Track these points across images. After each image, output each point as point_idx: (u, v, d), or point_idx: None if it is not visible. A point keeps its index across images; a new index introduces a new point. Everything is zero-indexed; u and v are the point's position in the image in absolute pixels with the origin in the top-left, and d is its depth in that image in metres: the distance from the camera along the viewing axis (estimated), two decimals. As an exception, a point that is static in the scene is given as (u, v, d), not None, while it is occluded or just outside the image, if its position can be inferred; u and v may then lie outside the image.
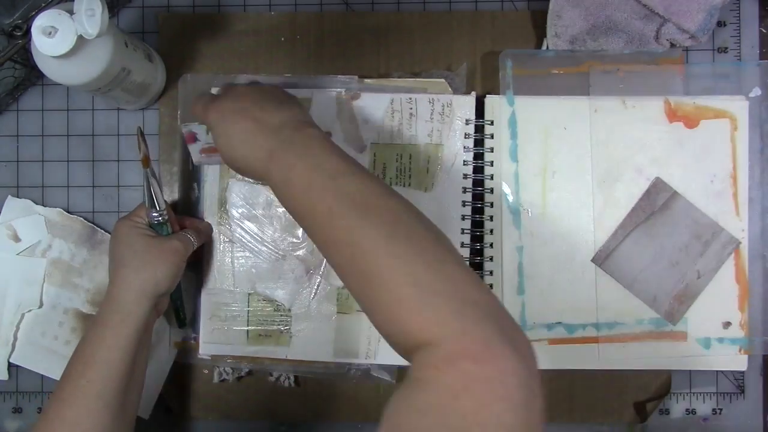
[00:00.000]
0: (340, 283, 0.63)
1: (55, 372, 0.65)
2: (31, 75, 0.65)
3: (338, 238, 0.43)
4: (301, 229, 0.62)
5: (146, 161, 0.56)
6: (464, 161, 0.63)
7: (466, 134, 0.63)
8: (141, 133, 0.56)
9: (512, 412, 0.35)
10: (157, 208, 0.57)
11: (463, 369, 0.36)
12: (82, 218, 0.66)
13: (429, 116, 0.63)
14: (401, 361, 0.62)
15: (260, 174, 0.50)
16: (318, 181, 0.45)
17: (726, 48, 0.66)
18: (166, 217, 0.58)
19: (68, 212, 0.66)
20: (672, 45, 0.63)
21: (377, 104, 0.63)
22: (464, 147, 0.63)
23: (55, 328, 0.65)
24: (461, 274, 0.40)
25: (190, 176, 0.65)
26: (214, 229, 0.64)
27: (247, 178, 0.62)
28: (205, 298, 0.64)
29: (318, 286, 0.63)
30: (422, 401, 0.36)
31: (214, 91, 0.63)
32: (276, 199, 0.62)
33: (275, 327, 0.63)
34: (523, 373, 0.36)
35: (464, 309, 0.38)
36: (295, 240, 0.63)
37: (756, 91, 0.63)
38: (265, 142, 0.48)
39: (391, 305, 0.40)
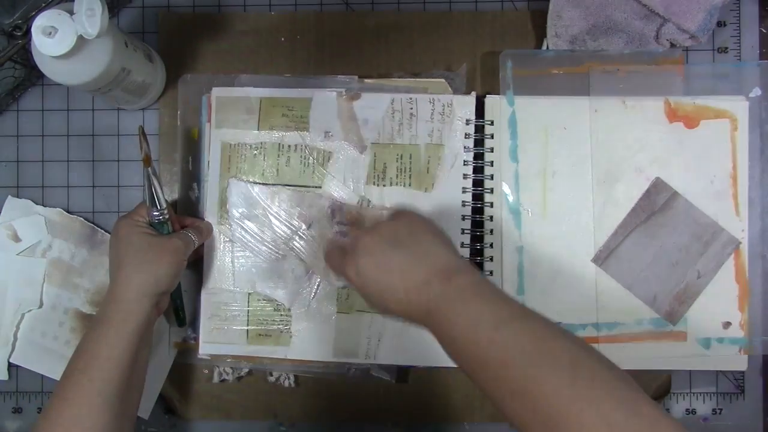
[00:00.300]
0: (340, 283, 0.63)
1: (55, 372, 0.65)
2: (31, 75, 0.65)
3: (516, 389, 0.41)
4: (304, 228, 0.63)
5: (147, 160, 0.56)
6: (464, 161, 0.63)
7: (466, 134, 0.63)
8: (142, 133, 0.56)
9: None
10: (158, 207, 0.57)
11: None
12: (82, 218, 0.66)
13: (429, 116, 0.63)
14: (401, 361, 0.63)
15: (410, 315, 0.48)
16: (483, 335, 0.43)
17: (726, 48, 0.66)
18: (167, 216, 0.58)
19: (68, 212, 0.66)
20: (672, 45, 0.63)
21: (377, 104, 0.63)
22: (464, 147, 0.63)
23: (55, 328, 0.65)
24: (654, 412, 0.39)
25: (190, 176, 0.65)
26: (214, 229, 0.64)
27: (249, 182, 0.62)
28: (205, 297, 0.64)
29: (318, 285, 0.63)
30: None
31: (249, 94, 0.64)
32: (275, 199, 0.63)
33: (275, 327, 0.63)
34: None
35: None
36: (295, 240, 0.63)
37: (756, 91, 0.63)
38: (418, 299, 0.47)
39: None
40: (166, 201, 0.58)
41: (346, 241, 0.52)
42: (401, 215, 0.52)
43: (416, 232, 0.50)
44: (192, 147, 0.65)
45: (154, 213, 0.57)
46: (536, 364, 0.41)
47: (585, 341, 0.43)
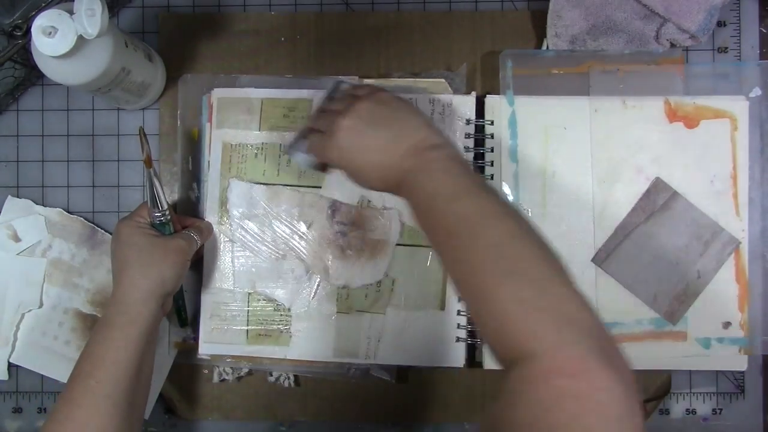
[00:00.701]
0: (340, 282, 0.63)
1: (55, 372, 0.65)
2: (31, 75, 0.65)
3: (457, 258, 0.45)
4: (304, 228, 0.63)
5: (149, 161, 0.56)
6: (464, 161, 0.63)
7: (466, 134, 0.63)
8: (143, 134, 0.56)
9: (604, 426, 0.35)
10: (160, 208, 0.57)
11: (556, 384, 0.36)
12: (82, 218, 0.66)
13: (429, 116, 0.63)
14: (401, 361, 0.63)
15: (388, 188, 0.51)
16: (440, 205, 0.46)
17: (726, 48, 0.66)
18: (169, 217, 0.58)
19: (68, 212, 0.66)
20: (672, 45, 0.63)
21: (377, 104, 0.63)
22: (464, 147, 0.63)
23: (55, 328, 0.65)
24: (564, 292, 0.41)
25: (190, 176, 0.65)
26: (214, 229, 0.64)
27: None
28: (204, 297, 0.64)
29: (318, 285, 0.63)
30: (515, 415, 0.37)
31: (250, 94, 0.64)
32: (275, 199, 0.63)
33: (275, 327, 0.63)
34: (617, 388, 0.36)
35: (563, 326, 0.39)
36: (295, 240, 0.63)
37: (756, 91, 0.63)
38: (398, 166, 0.49)
39: (495, 321, 0.41)
40: (167, 201, 0.58)
41: (324, 125, 0.53)
42: (376, 93, 0.53)
43: (393, 109, 0.52)
44: (192, 147, 0.65)
45: (156, 214, 0.57)
46: (472, 237, 0.44)
47: (527, 223, 0.45)
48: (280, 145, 0.63)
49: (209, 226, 0.63)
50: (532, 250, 0.43)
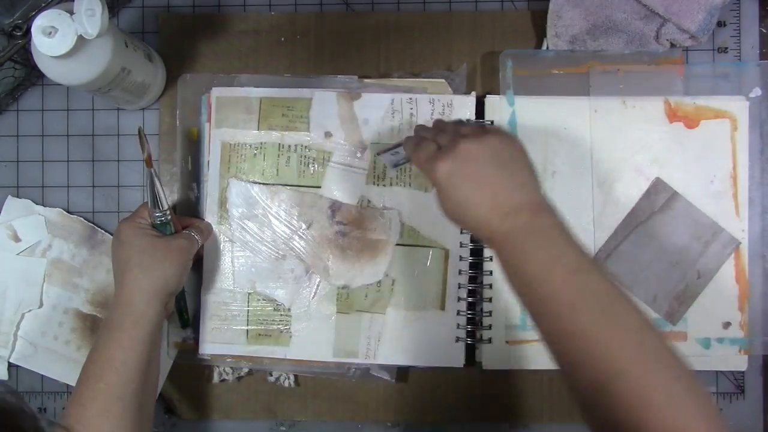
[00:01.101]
0: (340, 282, 0.63)
1: (54, 372, 0.65)
2: (31, 75, 0.65)
3: (578, 332, 0.43)
4: (304, 227, 0.63)
5: (149, 161, 0.56)
6: (464, 161, 0.63)
7: (466, 134, 0.63)
8: (142, 134, 0.56)
9: None
10: (161, 208, 0.57)
11: None
12: (82, 218, 0.66)
13: (429, 116, 0.63)
14: (401, 361, 0.63)
15: (487, 243, 0.49)
16: (559, 275, 0.44)
17: (726, 48, 0.66)
18: (170, 217, 0.58)
19: (68, 212, 0.66)
20: (672, 45, 0.63)
21: (378, 104, 0.63)
22: (464, 147, 0.63)
23: (55, 328, 0.65)
24: (702, 392, 0.42)
25: (190, 176, 0.65)
26: (214, 229, 0.64)
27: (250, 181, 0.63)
28: (204, 297, 0.64)
29: (318, 285, 0.63)
30: None
31: (249, 93, 0.63)
32: (275, 199, 0.63)
33: (275, 327, 0.63)
34: None
35: (710, 424, 0.40)
36: (294, 240, 0.63)
37: (756, 91, 0.63)
38: (500, 222, 0.47)
39: (638, 404, 0.40)
40: (167, 202, 0.58)
41: (446, 139, 0.50)
42: (502, 135, 0.50)
43: (517, 158, 0.49)
44: (191, 147, 0.65)
45: (157, 214, 0.57)
46: (607, 316, 0.43)
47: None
48: (279, 144, 0.63)
49: (209, 226, 0.63)
50: (665, 343, 0.43)
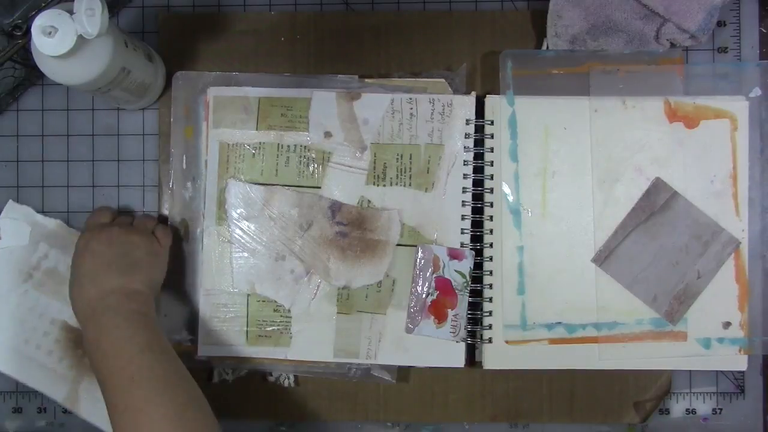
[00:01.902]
0: (340, 283, 0.63)
1: (33, 381, 0.64)
2: (31, 75, 0.65)
3: (133, 405, 0.49)
4: (304, 228, 0.62)
5: None
6: (464, 161, 0.63)
7: (466, 134, 0.63)
8: None
9: None
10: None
11: None
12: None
13: (429, 116, 0.63)
14: (401, 362, 0.63)
15: (78, 320, 0.56)
16: (127, 352, 0.52)
17: (726, 48, 0.66)
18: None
19: (68, 212, 0.66)
20: (672, 45, 0.63)
21: (377, 104, 0.63)
22: (464, 147, 0.63)
23: (39, 336, 0.65)
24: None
25: (184, 175, 0.65)
26: (213, 230, 0.63)
27: (245, 181, 0.63)
28: (203, 299, 0.64)
29: (318, 286, 0.63)
30: None
31: (247, 93, 0.64)
32: (274, 199, 0.63)
33: (275, 328, 0.63)
34: None
35: None
36: (294, 240, 0.63)
37: (756, 91, 0.63)
38: (92, 301, 0.55)
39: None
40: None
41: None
42: (116, 226, 0.60)
43: (129, 250, 0.58)
44: (186, 145, 0.65)
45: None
46: (157, 392, 0.51)
47: (201, 393, 0.53)
48: (278, 144, 0.63)
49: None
50: (202, 414, 0.52)
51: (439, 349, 0.63)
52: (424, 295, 0.62)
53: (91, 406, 0.64)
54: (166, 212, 0.65)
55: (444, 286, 0.62)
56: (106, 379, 0.51)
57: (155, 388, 0.50)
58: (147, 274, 0.58)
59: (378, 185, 0.63)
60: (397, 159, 0.63)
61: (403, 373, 0.65)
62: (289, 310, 0.63)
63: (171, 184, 0.65)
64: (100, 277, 0.56)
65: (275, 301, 0.63)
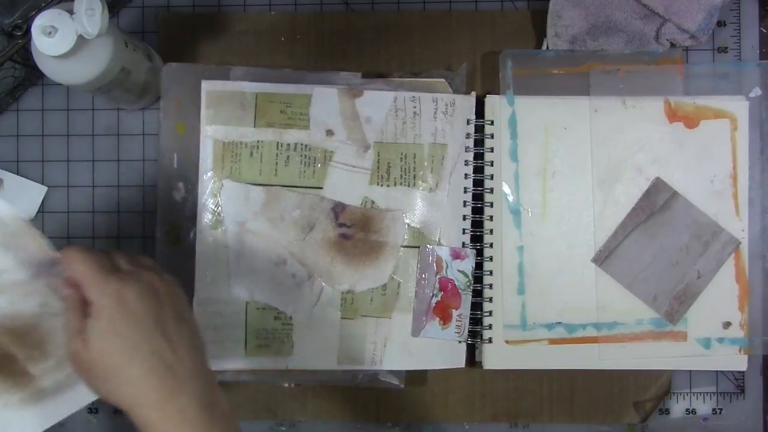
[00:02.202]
0: (344, 287, 0.62)
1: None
2: (31, 75, 0.65)
3: None
4: (305, 230, 0.62)
5: None
6: (465, 161, 0.63)
7: (467, 134, 0.63)
8: None
9: None
10: None
11: None
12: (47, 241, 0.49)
13: (432, 115, 0.63)
14: (407, 366, 0.62)
15: (139, 418, 0.41)
16: None
17: (726, 48, 0.66)
18: None
19: (68, 212, 0.66)
20: (672, 45, 0.63)
21: (380, 102, 0.62)
22: (465, 147, 0.63)
23: None
24: None
25: (175, 174, 0.62)
26: (207, 234, 0.61)
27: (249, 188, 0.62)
28: (197, 309, 0.60)
29: (321, 291, 0.62)
30: None
31: (243, 88, 0.61)
32: (271, 201, 0.62)
33: (275, 336, 0.61)
34: None
35: None
36: (295, 243, 0.62)
37: (756, 91, 0.63)
38: (178, 391, 0.41)
39: None
40: None
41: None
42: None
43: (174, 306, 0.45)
44: (177, 143, 0.63)
45: None
46: None
47: None
48: (277, 143, 0.62)
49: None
50: None
51: (442, 350, 0.63)
52: (429, 297, 0.62)
53: None
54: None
55: (448, 287, 0.62)
56: None
57: None
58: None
59: (382, 185, 0.63)
60: (402, 158, 0.63)
61: (412, 376, 0.65)
62: (290, 317, 0.61)
63: (159, 183, 0.62)
64: (164, 360, 0.42)
65: (276, 308, 0.61)
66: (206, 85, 0.61)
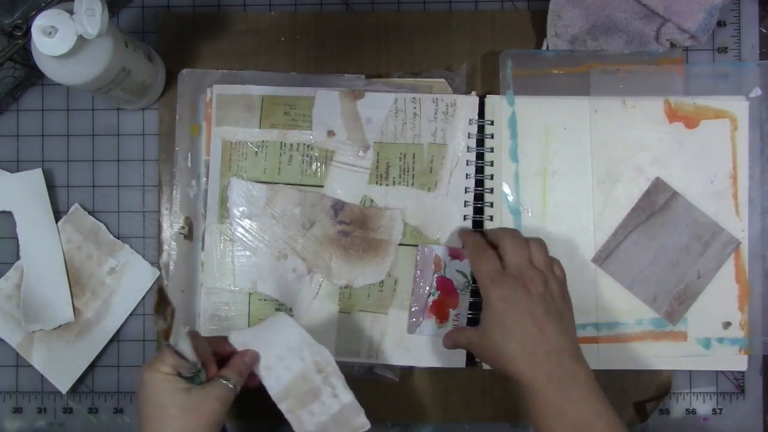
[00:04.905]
0: (342, 282, 0.63)
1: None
2: (31, 75, 0.65)
3: None
4: (306, 227, 0.62)
5: (167, 334, 0.56)
6: (466, 161, 0.63)
7: (468, 134, 0.63)
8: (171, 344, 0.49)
9: None
10: (188, 362, 0.49)
11: None
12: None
13: (433, 116, 0.63)
14: (403, 362, 0.63)
15: (520, 378, 0.52)
16: (599, 428, 0.51)
17: (726, 48, 0.66)
18: (199, 367, 0.50)
19: (68, 213, 0.66)
20: (672, 45, 0.63)
21: (381, 103, 0.63)
22: (466, 147, 0.63)
23: None
24: None
25: (189, 173, 0.65)
26: (215, 228, 0.63)
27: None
28: (204, 297, 0.64)
29: (320, 285, 0.63)
30: None
31: (250, 91, 0.63)
32: (274, 198, 0.63)
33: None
34: None
35: None
36: (296, 239, 0.63)
37: (756, 91, 0.63)
38: (545, 359, 0.52)
39: None
40: (194, 354, 0.49)
41: (507, 256, 0.56)
42: (563, 279, 0.57)
43: (568, 300, 0.56)
44: (191, 144, 0.65)
45: (182, 371, 0.50)
46: None
47: None
48: (281, 143, 0.63)
49: (247, 364, 0.54)
50: None
51: (441, 349, 0.63)
52: (425, 295, 0.62)
53: (44, 355, 0.64)
54: (165, 211, 0.65)
55: (445, 286, 0.63)
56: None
57: None
58: None
59: (381, 184, 0.63)
60: (401, 158, 0.63)
61: (404, 372, 0.65)
62: (290, 309, 0.63)
63: (176, 182, 0.65)
64: (544, 333, 0.53)
65: (277, 300, 0.63)
66: (216, 89, 0.64)
